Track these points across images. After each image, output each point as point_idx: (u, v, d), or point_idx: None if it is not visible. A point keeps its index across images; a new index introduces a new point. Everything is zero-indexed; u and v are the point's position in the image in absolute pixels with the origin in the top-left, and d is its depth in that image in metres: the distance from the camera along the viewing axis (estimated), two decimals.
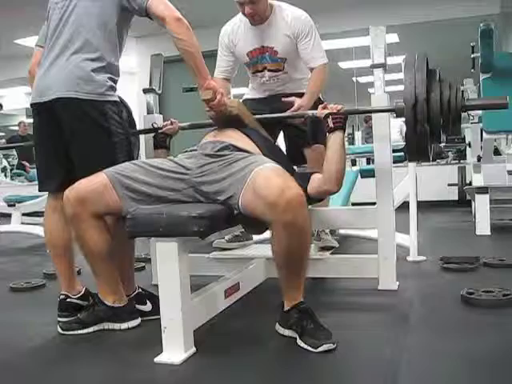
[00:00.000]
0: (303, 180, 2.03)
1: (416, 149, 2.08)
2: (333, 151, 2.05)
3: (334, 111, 2.10)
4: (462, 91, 2.04)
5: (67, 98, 1.91)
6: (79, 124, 1.94)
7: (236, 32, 2.57)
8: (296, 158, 2.71)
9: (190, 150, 2.04)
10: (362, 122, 9.27)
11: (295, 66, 2.61)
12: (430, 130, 1.99)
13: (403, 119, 2.03)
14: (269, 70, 2.61)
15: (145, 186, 1.86)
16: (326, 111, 2.11)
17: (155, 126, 2.44)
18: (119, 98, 2.05)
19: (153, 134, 2.45)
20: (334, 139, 2.07)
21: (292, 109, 2.42)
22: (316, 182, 2.05)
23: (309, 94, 2.50)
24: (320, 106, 2.18)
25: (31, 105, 2.03)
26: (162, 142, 2.40)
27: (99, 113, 1.95)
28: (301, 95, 2.51)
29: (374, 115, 2.42)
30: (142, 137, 2.65)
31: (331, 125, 2.08)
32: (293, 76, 2.64)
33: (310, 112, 2.29)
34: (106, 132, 1.97)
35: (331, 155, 2.05)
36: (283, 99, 2.48)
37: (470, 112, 4.53)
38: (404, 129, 2.09)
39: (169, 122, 2.43)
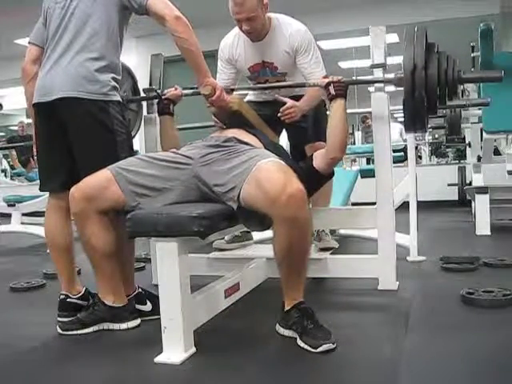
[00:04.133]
0: (307, 162, 2.10)
1: (413, 116, 2.14)
2: (336, 119, 2.11)
3: (335, 80, 2.15)
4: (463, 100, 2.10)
5: (71, 97, 1.91)
6: (83, 124, 1.94)
7: (236, 46, 2.54)
8: (298, 156, 2.71)
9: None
10: (360, 122, 9.27)
11: (296, 77, 2.59)
12: (427, 99, 2.05)
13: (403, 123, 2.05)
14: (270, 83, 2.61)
15: (147, 179, 1.87)
16: (327, 80, 2.16)
17: (158, 92, 2.43)
18: (123, 65, 2.06)
19: (157, 101, 2.44)
20: (337, 107, 2.13)
21: (284, 107, 2.41)
22: (320, 155, 2.11)
23: (307, 99, 2.48)
24: (321, 76, 2.25)
25: (34, 105, 2.02)
26: (166, 107, 2.38)
27: (103, 112, 1.95)
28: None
29: (374, 116, 2.42)
30: (142, 137, 2.66)
31: (333, 92, 2.13)
32: None
33: (312, 82, 2.32)
34: (110, 131, 1.97)
35: (335, 123, 2.11)
36: (276, 96, 2.47)
37: (469, 114, 4.55)
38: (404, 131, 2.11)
39: (173, 88, 2.42)
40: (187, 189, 1.88)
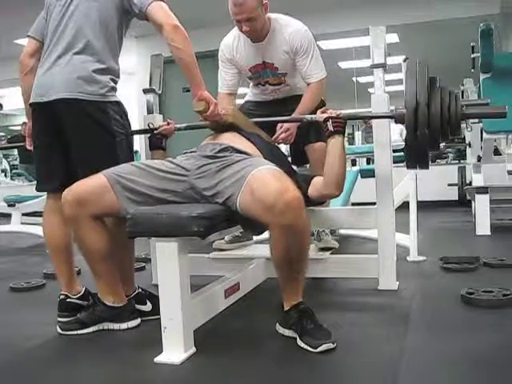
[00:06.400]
0: (305, 182, 2.06)
1: (416, 154, 2.10)
2: (333, 156, 2.05)
3: (334, 115, 2.08)
4: (462, 101, 2.06)
5: (69, 98, 1.91)
6: (81, 124, 1.94)
7: (236, 47, 2.53)
8: (298, 158, 2.71)
9: (190, 152, 2.03)
10: (361, 122, 9.27)
11: (296, 77, 2.58)
12: (430, 137, 2.00)
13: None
14: (270, 84, 2.61)
15: (143, 188, 1.86)
16: (325, 115, 2.10)
17: (151, 126, 2.40)
18: None
19: (149, 135, 2.40)
20: (334, 144, 2.07)
21: (278, 133, 2.43)
22: (317, 185, 2.07)
23: (297, 114, 2.46)
24: (319, 110, 2.16)
25: (31, 104, 2.02)
26: (158, 142, 2.36)
27: (101, 113, 1.95)
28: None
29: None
30: (142, 137, 2.65)
31: (331, 128, 2.07)
32: (294, 86, 2.62)
33: (309, 116, 2.27)
34: (108, 132, 1.97)
35: (332, 160, 2.05)
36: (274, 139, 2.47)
37: (469, 128, 4.54)
38: (404, 132, 2.10)
39: (165, 122, 2.40)
40: (183, 200, 1.86)
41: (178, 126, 2.41)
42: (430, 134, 1.99)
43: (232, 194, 1.75)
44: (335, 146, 2.06)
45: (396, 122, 2.16)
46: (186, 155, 2.01)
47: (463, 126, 5.07)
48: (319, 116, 2.14)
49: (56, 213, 2.06)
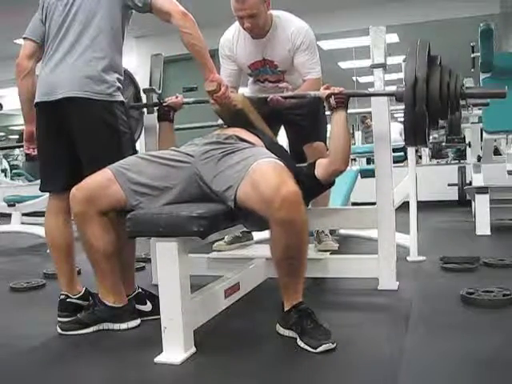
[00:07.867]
0: (310, 167, 2.09)
1: (414, 131, 2.09)
2: (337, 130, 2.10)
3: (336, 92, 2.13)
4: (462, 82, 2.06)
5: (77, 97, 1.91)
6: (89, 124, 1.94)
7: (236, 43, 2.53)
8: (297, 157, 2.71)
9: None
10: (360, 122, 9.26)
11: (295, 75, 2.58)
12: (428, 114, 2.01)
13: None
14: (269, 81, 2.60)
15: (148, 178, 1.88)
16: (328, 91, 2.14)
17: (159, 98, 2.46)
18: (126, 71, 2.07)
19: (157, 108, 2.47)
20: (338, 118, 2.12)
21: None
22: (322, 165, 2.10)
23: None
24: (322, 87, 2.21)
25: (36, 104, 2.01)
26: (166, 114, 2.42)
27: (108, 113, 1.96)
28: None
29: (374, 115, 2.42)
30: (141, 138, 2.66)
31: (333, 103, 2.12)
32: (293, 83, 2.63)
33: (313, 92, 2.29)
34: (115, 132, 1.98)
35: (336, 135, 2.10)
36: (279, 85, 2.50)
37: (469, 109, 4.54)
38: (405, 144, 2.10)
39: (174, 96, 2.45)
40: (188, 186, 1.88)
41: (186, 100, 2.46)
42: (428, 111, 2.00)
43: (232, 184, 1.76)
44: (338, 120, 2.12)
45: (397, 100, 2.17)
46: (192, 143, 2.04)
47: (463, 126, 5.03)
48: (322, 92, 2.18)
49: (58, 213, 2.06)
